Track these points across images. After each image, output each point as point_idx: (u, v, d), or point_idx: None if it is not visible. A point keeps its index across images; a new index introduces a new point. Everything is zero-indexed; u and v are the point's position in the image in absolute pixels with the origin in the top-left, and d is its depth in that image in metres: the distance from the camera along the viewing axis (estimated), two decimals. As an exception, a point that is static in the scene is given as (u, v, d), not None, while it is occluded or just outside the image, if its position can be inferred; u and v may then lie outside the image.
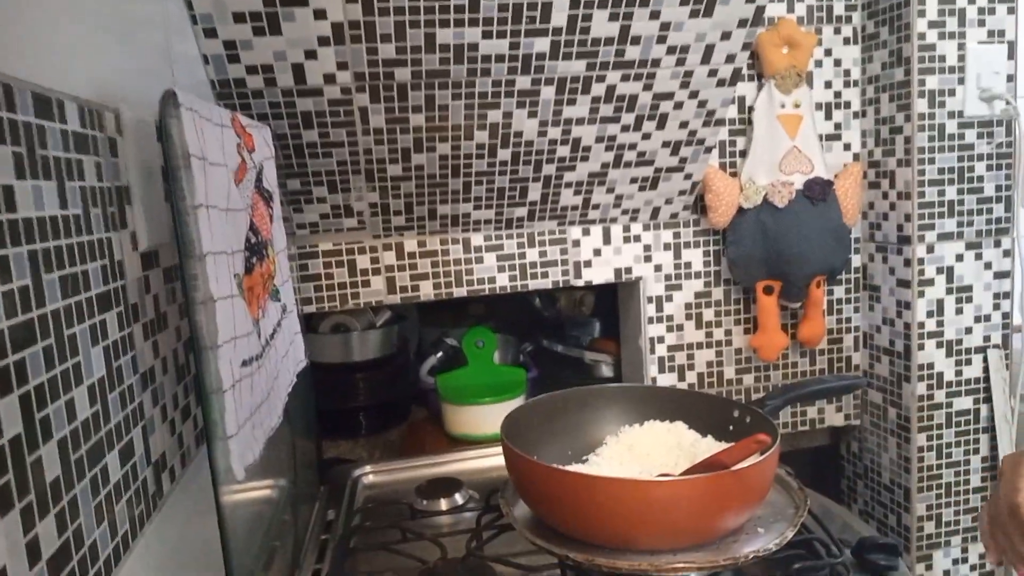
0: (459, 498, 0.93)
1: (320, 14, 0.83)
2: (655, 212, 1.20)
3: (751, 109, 1.18)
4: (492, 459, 1.04)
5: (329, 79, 0.91)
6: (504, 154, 1.05)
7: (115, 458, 0.50)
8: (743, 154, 1.20)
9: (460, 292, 1.16)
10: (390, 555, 0.77)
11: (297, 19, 0.83)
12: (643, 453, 0.79)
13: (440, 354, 1.43)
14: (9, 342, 0.37)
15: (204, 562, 0.63)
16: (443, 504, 0.91)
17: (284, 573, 0.80)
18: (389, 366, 1.38)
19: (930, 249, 1.16)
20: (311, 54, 0.88)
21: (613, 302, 1.36)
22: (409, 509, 0.86)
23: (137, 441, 0.54)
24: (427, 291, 1.15)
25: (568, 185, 1.12)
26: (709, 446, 0.77)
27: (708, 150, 1.13)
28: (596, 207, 1.17)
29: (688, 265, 1.23)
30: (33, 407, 0.39)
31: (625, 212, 1.19)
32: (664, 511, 0.60)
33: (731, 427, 0.77)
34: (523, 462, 0.66)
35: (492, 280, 1.17)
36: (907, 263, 1.17)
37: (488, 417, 1.24)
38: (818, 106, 1.22)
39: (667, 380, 1.24)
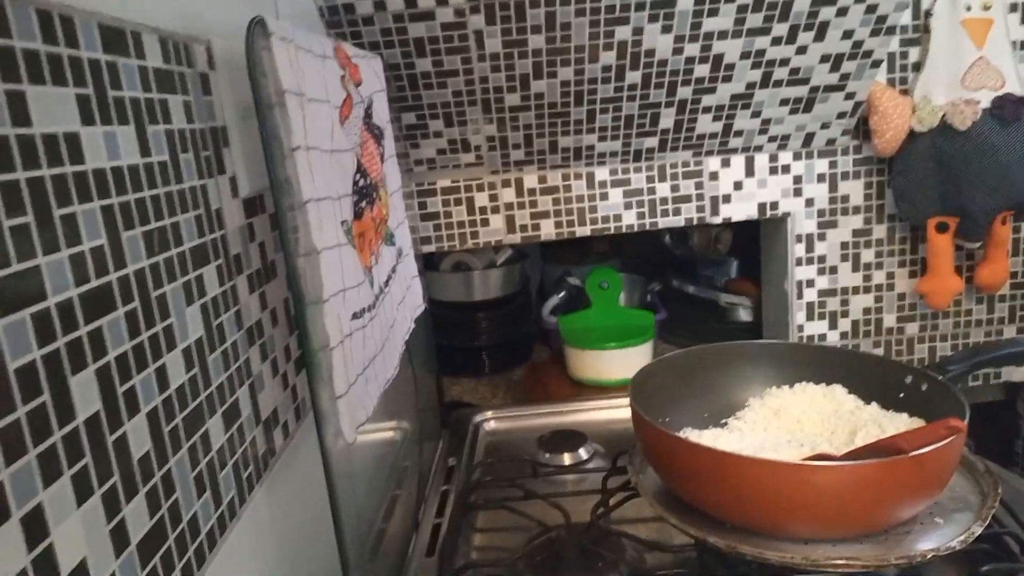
0: (583, 453, 0.87)
1: (430, -74, 0.75)
2: (808, 138, 1.05)
3: (928, 14, 1.00)
4: (618, 411, 0.97)
5: (441, 0, 0.83)
6: (633, 76, 0.94)
7: (218, 423, 0.47)
8: (917, 68, 1.02)
9: (583, 231, 1.08)
10: (511, 514, 0.73)
11: (405, -67, 0.76)
12: (792, 419, 0.70)
13: (563, 294, 1.37)
14: (81, 311, 0.33)
15: (323, 514, 0.61)
16: (567, 459, 0.86)
17: (405, 524, 0.78)
18: (511, 305, 1.34)
19: None
20: (422, -27, 0.80)
21: (752, 239, 1.23)
22: (531, 465, 0.81)
23: (244, 401, 0.51)
24: (548, 230, 1.08)
25: (706, 110, 1.00)
26: (873, 415, 0.67)
27: (876, 64, 0.97)
28: (739, 134, 1.04)
29: (846, 199, 1.08)
30: (114, 380, 0.36)
31: (772, 139, 1.05)
32: (824, 499, 0.51)
33: (901, 394, 0.66)
34: (654, 432, 0.59)
35: (618, 218, 1.08)
36: (1123, 194, 0.97)
37: (614, 363, 1.17)
38: (1012, 7, 1.02)
39: (816, 328, 1.11)
